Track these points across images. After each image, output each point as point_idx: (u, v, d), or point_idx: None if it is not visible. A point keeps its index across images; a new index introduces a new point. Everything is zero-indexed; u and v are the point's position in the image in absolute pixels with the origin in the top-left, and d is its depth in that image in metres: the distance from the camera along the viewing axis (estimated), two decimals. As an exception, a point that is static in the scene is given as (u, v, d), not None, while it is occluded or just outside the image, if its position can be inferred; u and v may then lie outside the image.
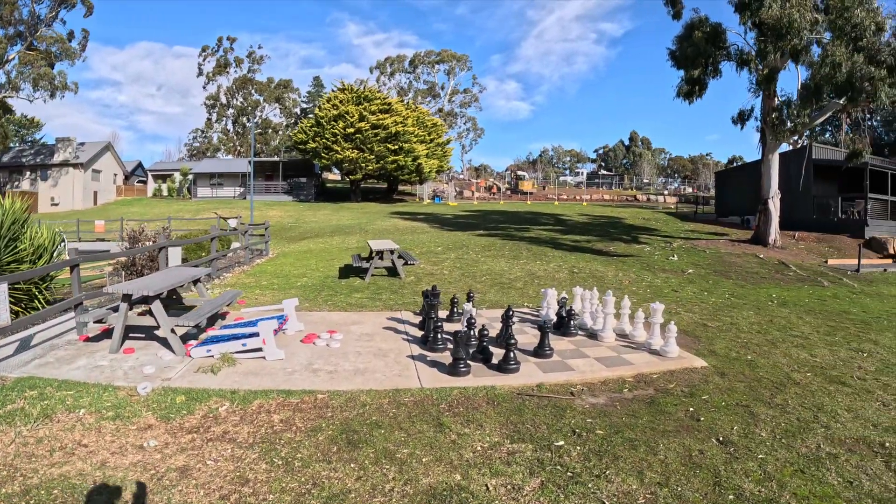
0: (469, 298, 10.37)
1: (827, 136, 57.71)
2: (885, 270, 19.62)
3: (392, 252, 15.29)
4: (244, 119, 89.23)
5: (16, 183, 57.74)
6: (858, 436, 5.59)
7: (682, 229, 29.99)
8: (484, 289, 13.78)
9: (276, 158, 66.42)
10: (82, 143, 61.72)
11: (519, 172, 73.95)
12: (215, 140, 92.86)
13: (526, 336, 8.94)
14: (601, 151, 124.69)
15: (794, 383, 7.05)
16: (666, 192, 71.27)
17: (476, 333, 7.81)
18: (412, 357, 7.95)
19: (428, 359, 7.84)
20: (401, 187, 62.84)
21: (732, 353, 8.36)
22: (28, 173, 58.37)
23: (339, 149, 50.22)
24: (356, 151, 50.35)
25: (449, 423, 5.78)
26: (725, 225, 32.57)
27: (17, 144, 64.27)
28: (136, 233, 17.62)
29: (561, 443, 5.36)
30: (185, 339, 8.21)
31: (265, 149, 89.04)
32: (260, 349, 7.45)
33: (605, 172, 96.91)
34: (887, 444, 5.39)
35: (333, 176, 74.11)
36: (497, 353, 7.46)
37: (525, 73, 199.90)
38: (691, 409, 6.19)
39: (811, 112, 22.27)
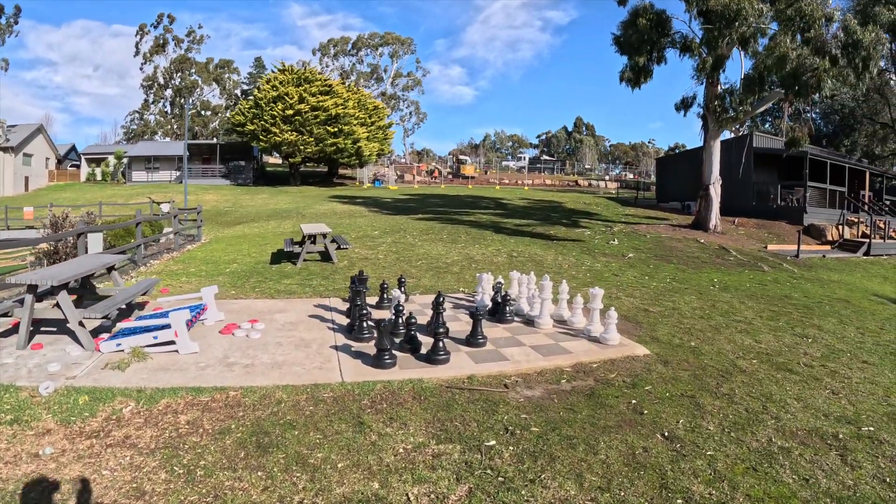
0: (401, 284, 9.74)
1: (766, 126, 59.28)
2: (823, 256, 19.97)
3: (325, 236, 14.61)
4: (182, 101, 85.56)
5: None
6: (810, 427, 5.24)
7: (623, 214, 30.07)
8: (419, 273, 13.17)
9: (213, 141, 63.80)
10: (13, 126, 57.26)
11: (461, 157, 73.38)
12: (152, 122, 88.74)
13: (459, 323, 8.36)
14: (544, 137, 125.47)
15: (740, 371, 6.70)
16: (607, 178, 72.11)
17: (404, 321, 7.16)
18: (336, 347, 7.29)
19: (353, 349, 7.18)
20: (341, 171, 61.42)
21: (676, 339, 7.99)
22: None
23: (277, 131, 48.58)
24: (295, 134, 48.81)
25: (370, 422, 5.15)
26: (666, 210, 32.90)
27: None
28: (59, 219, 16.43)
29: (492, 442, 4.79)
30: (98, 332, 7.43)
31: (204, 131, 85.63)
32: (173, 342, 6.78)
33: (547, 158, 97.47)
34: (840, 436, 5.04)
35: (274, 160, 71.87)
36: (427, 343, 6.85)
37: (470, 59, 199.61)
38: (634, 401, 5.73)
39: (754, 101, 22.48)
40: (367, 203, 33.64)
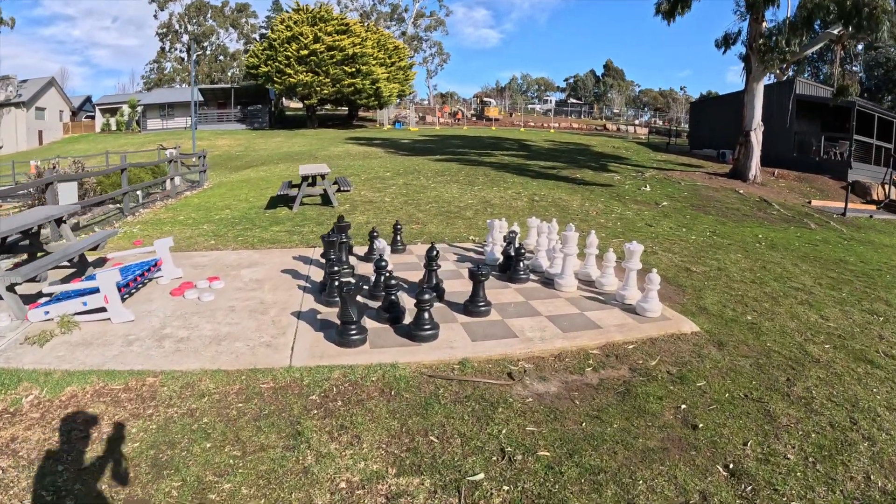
0: (396, 231, 8.12)
1: (806, 75, 55.54)
2: (871, 217, 17.81)
3: (323, 177, 13.08)
4: (197, 47, 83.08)
5: None
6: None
7: (655, 159, 27.86)
8: (426, 219, 11.52)
9: (227, 85, 61.72)
10: (24, 81, 55.38)
11: (485, 99, 70.39)
12: (169, 70, 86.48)
13: (462, 282, 6.74)
14: (571, 81, 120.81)
15: (813, 361, 5.04)
16: (637, 123, 68.90)
17: (383, 282, 5.55)
18: (298, 314, 5.80)
19: (319, 316, 5.68)
20: (362, 113, 59.07)
21: (728, 310, 6.30)
22: None
23: (291, 72, 46.21)
24: (311, 75, 46.39)
25: (311, 434, 3.65)
26: (700, 157, 30.50)
27: None
28: (48, 171, 15.20)
29: (479, 476, 3.24)
30: (37, 298, 6.07)
31: (221, 77, 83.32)
32: (105, 308, 5.50)
33: (574, 101, 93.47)
34: None
35: (295, 104, 69.62)
36: (413, 311, 5.21)
37: (495, 1, 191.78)
38: (683, 405, 4.11)
39: (802, 40, 19.98)
40: (384, 144, 31.76)
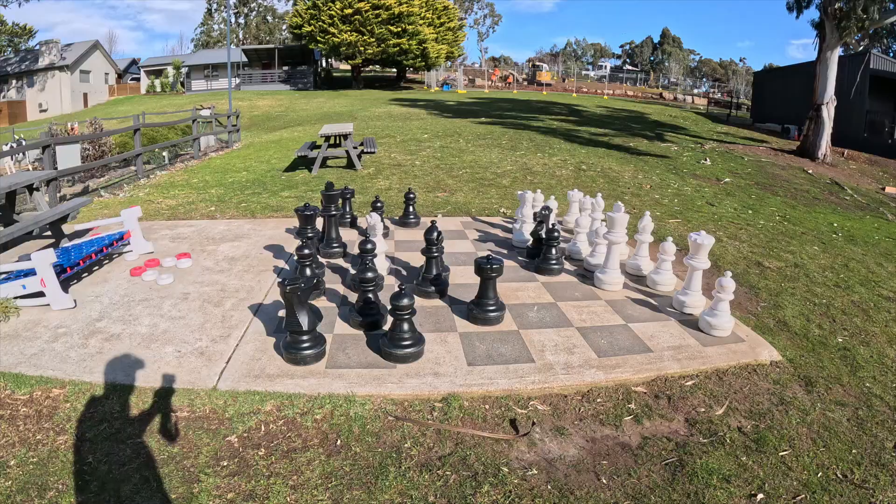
0: (407, 200, 6.74)
1: (876, 50, 51.04)
2: (952, 212, 15.45)
3: (346, 137, 11.72)
4: (245, 9, 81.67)
5: (2, 93, 52.51)
6: None
7: (715, 131, 25.52)
8: (456, 186, 10.09)
9: (271, 46, 60.36)
10: (69, 45, 54.82)
11: (538, 63, 67.23)
12: (216, 33, 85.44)
13: (506, 272, 5.31)
14: (627, 48, 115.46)
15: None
16: (695, 93, 65.12)
17: (358, 274, 4.16)
18: (257, 308, 4.59)
19: (282, 312, 4.36)
20: (410, 75, 56.92)
21: (813, 326, 4.71)
22: (14, 81, 52.47)
23: (335, 31, 44.32)
24: (355, 34, 44.42)
25: (204, 501, 2.34)
26: (762, 131, 27.89)
27: (12, 54, 58.60)
28: (67, 132, 14.33)
29: None
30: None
31: (269, 39, 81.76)
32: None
33: (630, 68, 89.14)
34: None
35: (344, 66, 67.84)
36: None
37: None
38: (761, 495, 2.66)
39: (883, 6, 17.48)
40: (428, 106, 30.12)
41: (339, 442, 2.91)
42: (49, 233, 6.39)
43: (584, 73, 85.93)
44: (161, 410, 3.16)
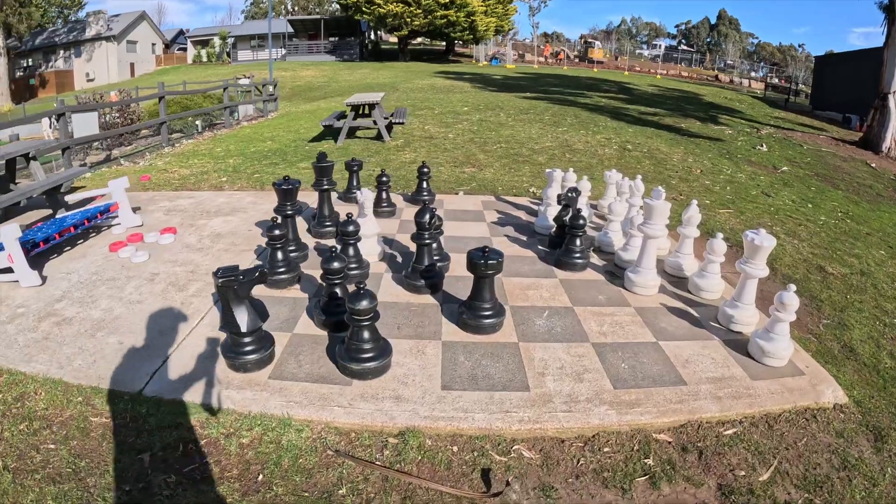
0: (421, 175, 5.96)
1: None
2: None
3: (373, 107, 10.87)
4: None
5: (51, 63, 53.08)
6: None
7: (772, 116, 23.73)
8: (487, 161, 9.22)
9: (318, 16, 59.31)
10: (116, 16, 54.88)
11: (590, 40, 64.46)
12: (265, 4, 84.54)
13: (520, 263, 4.48)
14: (683, 28, 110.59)
15: None
16: (753, 77, 61.75)
17: (327, 265, 3.35)
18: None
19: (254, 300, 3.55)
20: (458, 49, 55.08)
21: (885, 355, 3.73)
22: (62, 52, 52.73)
23: (381, 2, 43.05)
24: (401, 5, 42.82)
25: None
26: (822, 119, 25.80)
27: (61, 25, 59.05)
28: (95, 100, 14.48)
29: None
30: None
31: (318, 10, 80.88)
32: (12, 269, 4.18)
33: (685, 48, 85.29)
34: None
35: (394, 39, 66.82)
36: (391, 302, 3.05)
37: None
38: None
39: None
40: (473, 80, 28.93)
41: (260, 477, 2.30)
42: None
43: (637, 52, 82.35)
44: (84, 414, 2.66)
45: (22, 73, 50.31)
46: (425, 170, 6.17)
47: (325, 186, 4.86)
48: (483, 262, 3.17)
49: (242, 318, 2.83)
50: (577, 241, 4.43)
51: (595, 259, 4.73)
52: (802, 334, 3.80)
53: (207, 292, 3.94)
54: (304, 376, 2.91)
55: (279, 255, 3.88)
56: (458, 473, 2.33)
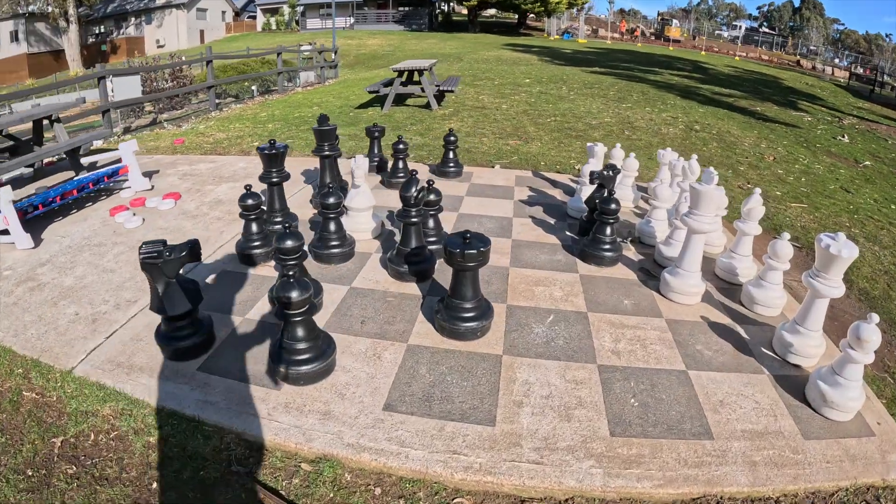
0: (448, 144, 5.25)
1: None
2: None
3: (421, 73, 10.10)
4: None
5: (122, 30, 53.58)
6: None
7: (855, 106, 21.48)
8: (537, 135, 8.41)
9: None
10: None
11: (668, 18, 60.67)
12: None
13: (509, 243, 3.84)
14: (765, 9, 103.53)
15: None
16: (837, 64, 57.09)
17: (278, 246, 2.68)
18: (192, 267, 3.58)
19: (210, 279, 3.24)
20: (531, 22, 52.88)
21: None
22: (133, 19, 53.16)
23: (450, -30, 41.75)
24: (470, -27, 41.70)
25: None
26: (913, 110, 23.41)
27: None
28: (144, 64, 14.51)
29: None
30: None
31: None
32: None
33: (766, 31, 79.69)
34: None
35: (466, 10, 65.03)
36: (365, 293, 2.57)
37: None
38: None
39: None
40: (541, 53, 27.52)
41: (155, 485, 1.95)
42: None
43: (716, 32, 77.43)
44: (19, 387, 2.47)
45: (94, 40, 51.40)
46: (452, 138, 5.43)
47: (327, 152, 4.21)
48: (459, 251, 2.43)
49: (168, 299, 2.37)
50: (607, 230, 3.61)
51: (632, 252, 3.90)
52: (877, 372, 2.90)
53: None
54: (235, 372, 2.43)
55: (253, 227, 3.34)
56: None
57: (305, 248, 2.69)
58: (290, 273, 2.20)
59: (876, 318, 2.15)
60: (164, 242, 2.39)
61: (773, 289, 3.13)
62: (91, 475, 1.99)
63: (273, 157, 3.68)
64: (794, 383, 2.49)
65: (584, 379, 2.44)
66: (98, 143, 7.57)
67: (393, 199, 4.65)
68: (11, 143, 6.41)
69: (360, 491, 1.90)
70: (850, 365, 2.23)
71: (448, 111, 10.09)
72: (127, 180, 5.18)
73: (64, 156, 6.07)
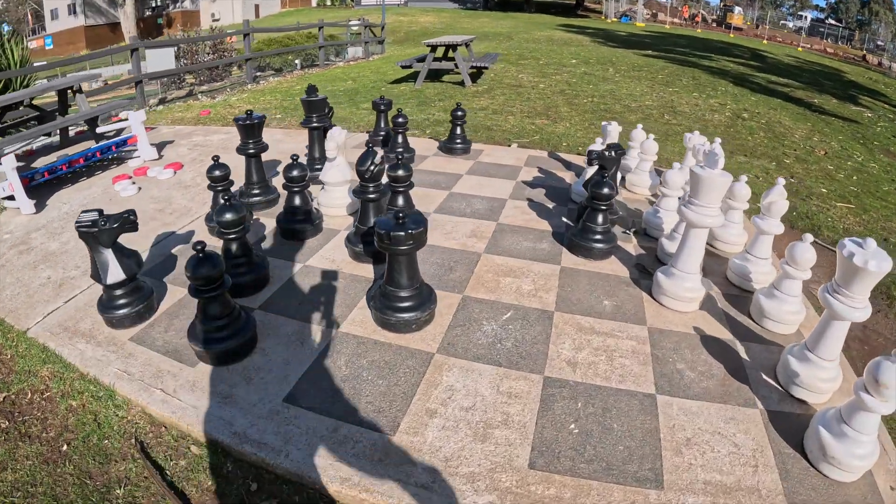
0: (455, 119, 4.78)
1: None
2: None
3: (455, 48, 9.57)
4: None
5: (178, 3, 53.35)
6: None
7: (927, 103, 19.79)
8: (569, 115, 7.82)
9: None
10: None
11: (731, 4, 57.28)
12: None
13: (487, 227, 3.37)
14: (832, 1, 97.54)
15: None
16: (908, 62, 52.99)
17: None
18: (165, 236, 3.56)
19: (179, 248, 2.90)
20: (590, 4, 51.06)
21: None
22: None
23: (508, -52, 40.36)
24: (528, -48, 40.17)
25: None
26: None
27: None
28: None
29: None
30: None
31: None
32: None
33: (832, 23, 74.73)
34: None
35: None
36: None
37: None
38: None
39: None
40: (595, 35, 26.28)
41: (65, 448, 1.95)
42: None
43: (781, 22, 73.10)
44: None
45: (150, 13, 51.99)
46: (459, 112, 4.93)
47: (315, 124, 3.82)
48: (386, 233, 2.00)
49: (106, 267, 2.34)
50: (599, 218, 3.06)
51: (633, 245, 3.34)
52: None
53: (154, 234, 3.44)
54: (161, 345, 2.31)
55: (220, 199, 2.95)
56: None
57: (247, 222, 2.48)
58: (198, 249, 2.00)
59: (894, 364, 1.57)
60: (100, 212, 2.32)
61: (788, 301, 2.54)
62: (18, 431, 2.02)
63: (249, 128, 3.44)
64: (793, 425, 1.93)
65: (521, 392, 1.98)
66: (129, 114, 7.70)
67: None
68: (37, 112, 6.66)
69: (238, 484, 1.76)
70: (863, 413, 1.66)
71: (482, 88, 9.53)
72: (137, 150, 5.15)
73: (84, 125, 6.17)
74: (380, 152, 2.96)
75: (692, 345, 2.34)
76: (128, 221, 2.32)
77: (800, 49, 39.78)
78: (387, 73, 12.09)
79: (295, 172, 2.94)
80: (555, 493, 1.58)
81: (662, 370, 2.14)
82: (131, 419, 2.03)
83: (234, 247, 2.44)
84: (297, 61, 13.86)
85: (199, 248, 1.98)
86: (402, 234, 2.07)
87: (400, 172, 2.88)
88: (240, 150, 3.52)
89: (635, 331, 2.39)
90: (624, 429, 1.83)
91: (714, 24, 49.07)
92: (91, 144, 5.65)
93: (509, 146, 5.81)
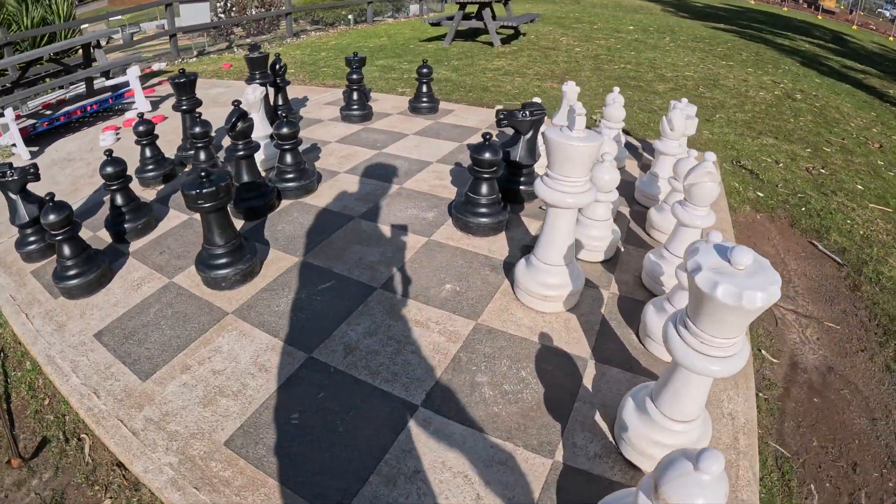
0: (421, 76, 4.56)
1: None
2: None
3: (485, 6, 8.89)
4: None
5: None
6: None
7: None
8: (587, 79, 7.29)
9: None
10: None
11: (829, -17, 51.39)
12: None
13: (414, 203, 3.13)
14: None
15: None
16: None
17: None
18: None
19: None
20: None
21: None
22: None
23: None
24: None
25: None
26: None
27: None
28: None
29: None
30: None
31: None
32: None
33: (938, 14, 66.41)
34: None
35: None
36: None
37: None
38: None
39: None
40: (669, 4, 24.40)
41: None
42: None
43: (878, 10, 65.85)
44: None
45: None
46: (424, 70, 4.51)
47: (258, 80, 3.62)
48: (187, 193, 2.02)
49: (13, 212, 2.55)
50: (483, 188, 2.60)
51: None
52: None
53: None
54: (48, 279, 2.43)
55: (147, 151, 3.25)
56: None
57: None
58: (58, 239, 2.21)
59: None
60: (10, 165, 2.49)
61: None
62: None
63: (181, 86, 3.43)
64: (584, 496, 1.46)
65: (273, 367, 1.82)
66: (161, 66, 7.61)
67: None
68: (61, 67, 6.93)
69: (39, 398, 1.99)
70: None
71: (511, 49, 8.91)
72: (134, 102, 5.26)
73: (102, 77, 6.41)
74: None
75: (518, 356, 1.87)
76: (28, 173, 2.51)
77: (891, 38, 35.66)
78: (426, 31, 11.60)
79: (198, 129, 2.83)
80: (228, 477, 1.43)
81: (452, 379, 1.72)
82: (3, 337, 2.26)
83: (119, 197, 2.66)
84: (350, 17, 13.51)
85: (48, 197, 2.13)
86: (193, 193, 2.00)
87: (285, 130, 2.56)
88: (175, 108, 3.51)
89: (457, 325, 1.97)
90: (349, 435, 1.47)
91: (804, 5, 44.60)
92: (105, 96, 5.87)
93: (500, 106, 5.33)
